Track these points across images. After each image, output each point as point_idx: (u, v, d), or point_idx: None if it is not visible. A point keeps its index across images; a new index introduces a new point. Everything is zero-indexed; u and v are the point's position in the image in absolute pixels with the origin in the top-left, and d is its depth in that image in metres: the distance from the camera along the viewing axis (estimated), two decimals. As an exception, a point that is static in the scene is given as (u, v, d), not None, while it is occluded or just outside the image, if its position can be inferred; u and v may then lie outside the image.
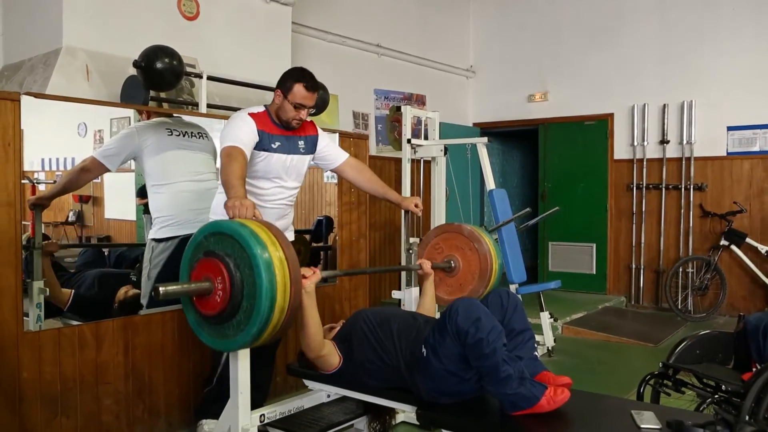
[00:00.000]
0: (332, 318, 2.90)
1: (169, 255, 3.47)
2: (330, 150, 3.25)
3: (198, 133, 3.71)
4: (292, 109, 2.92)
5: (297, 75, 2.93)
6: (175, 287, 2.19)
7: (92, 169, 3.42)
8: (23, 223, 2.87)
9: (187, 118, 3.80)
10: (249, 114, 2.91)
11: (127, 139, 3.47)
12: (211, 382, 3.22)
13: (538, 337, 4.75)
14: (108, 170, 3.40)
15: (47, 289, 3.29)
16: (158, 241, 3.49)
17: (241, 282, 2.14)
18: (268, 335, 2.18)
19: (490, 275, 3.30)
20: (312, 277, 2.47)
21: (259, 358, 3.14)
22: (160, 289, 2.09)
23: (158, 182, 3.49)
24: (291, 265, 2.16)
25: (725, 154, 6.71)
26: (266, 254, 2.10)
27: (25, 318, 2.91)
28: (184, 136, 3.61)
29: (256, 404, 2.82)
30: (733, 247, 6.44)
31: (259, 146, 2.90)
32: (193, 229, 3.47)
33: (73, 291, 3.60)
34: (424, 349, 2.42)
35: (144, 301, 3.53)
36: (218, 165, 3.68)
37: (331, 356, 2.62)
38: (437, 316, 4.49)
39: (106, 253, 4.32)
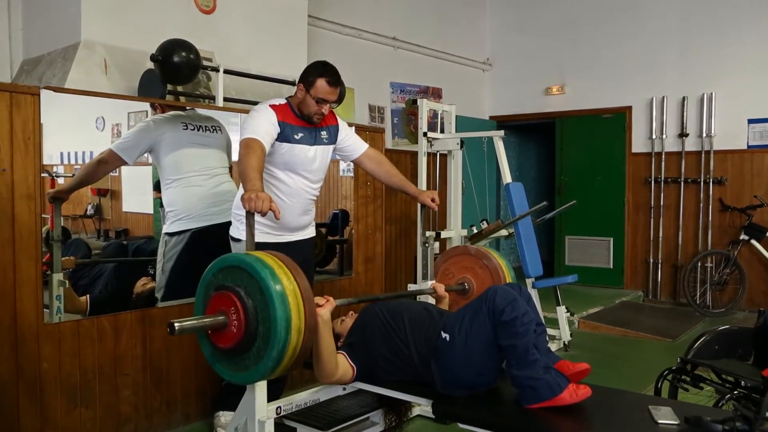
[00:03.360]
0: (347, 312, 2.90)
1: (182, 248, 3.51)
2: (351, 140, 3.24)
3: (213, 126, 3.73)
4: (314, 103, 2.92)
5: (320, 69, 2.92)
6: (190, 322, 2.18)
7: (110, 162, 3.45)
8: (43, 216, 2.91)
9: (203, 111, 3.82)
10: (270, 106, 2.90)
11: (143, 131, 3.49)
12: (229, 375, 3.24)
13: (554, 332, 4.74)
14: (125, 163, 3.42)
15: (66, 282, 3.33)
16: (171, 235, 3.52)
17: (254, 308, 2.14)
18: (288, 360, 2.15)
19: None
20: (326, 305, 2.45)
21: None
22: (176, 324, 2.09)
23: (171, 176, 3.52)
24: (301, 285, 2.15)
25: (746, 147, 6.61)
26: (275, 278, 2.11)
27: (45, 310, 2.95)
28: (198, 130, 3.63)
29: (273, 397, 2.84)
30: (753, 242, 6.35)
31: (282, 137, 2.89)
32: (205, 223, 3.53)
33: (88, 297, 3.60)
34: (445, 334, 2.42)
35: (158, 294, 3.56)
36: (235, 157, 3.71)
37: (345, 374, 2.59)
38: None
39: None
